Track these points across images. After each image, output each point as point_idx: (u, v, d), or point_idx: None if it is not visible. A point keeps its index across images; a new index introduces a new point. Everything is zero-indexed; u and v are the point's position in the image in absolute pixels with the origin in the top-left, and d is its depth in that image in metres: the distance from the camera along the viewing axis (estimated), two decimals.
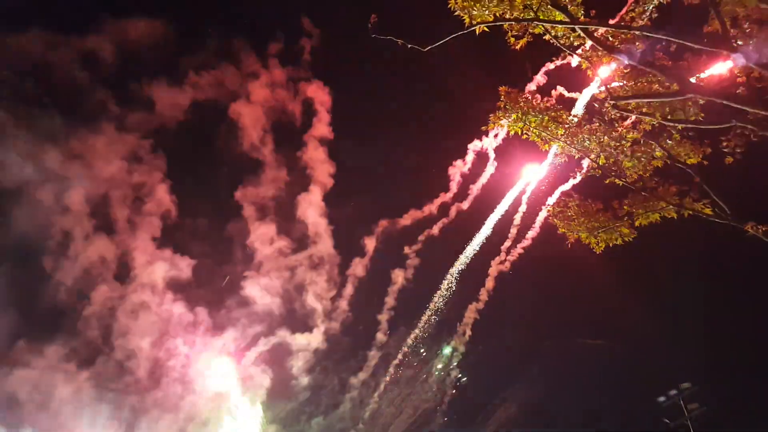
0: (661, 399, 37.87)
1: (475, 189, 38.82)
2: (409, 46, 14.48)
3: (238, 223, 39.46)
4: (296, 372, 39.04)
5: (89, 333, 35.77)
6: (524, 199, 37.16)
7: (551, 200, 35.56)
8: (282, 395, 38.92)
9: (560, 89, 30.04)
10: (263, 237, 39.30)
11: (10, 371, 33.29)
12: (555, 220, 16.11)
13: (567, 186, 33.06)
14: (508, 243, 38.90)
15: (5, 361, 33.65)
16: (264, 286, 38.83)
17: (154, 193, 37.85)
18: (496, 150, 37.92)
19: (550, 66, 30.54)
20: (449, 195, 39.70)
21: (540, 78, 31.81)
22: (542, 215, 36.91)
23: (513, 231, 38.61)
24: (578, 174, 16.18)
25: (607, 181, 15.68)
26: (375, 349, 40.02)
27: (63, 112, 35.97)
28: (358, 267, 40.18)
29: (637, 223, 15.65)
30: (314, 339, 39.27)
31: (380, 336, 40.37)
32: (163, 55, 37.25)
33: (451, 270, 39.58)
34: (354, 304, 40.63)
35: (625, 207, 15.70)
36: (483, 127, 15.89)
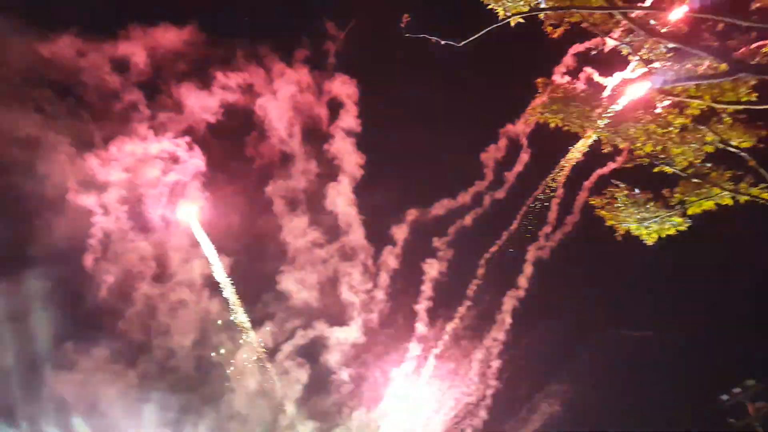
0: (724, 397, 36.30)
1: (509, 176, 38.02)
2: (443, 42, 14.35)
3: (270, 217, 39.93)
4: (333, 366, 39.27)
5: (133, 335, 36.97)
6: (561, 183, 36.11)
7: (588, 183, 34.65)
8: (320, 390, 39.29)
9: (589, 71, 28.95)
10: (296, 230, 39.64)
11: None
12: (602, 212, 15.62)
13: (605, 169, 32.09)
14: (547, 229, 37.71)
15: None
16: (298, 280, 39.20)
17: (189, 190, 38.87)
18: (530, 136, 36.96)
19: (579, 48, 29.71)
20: (482, 183, 38.95)
21: (569, 61, 30.97)
22: (582, 199, 35.78)
23: (551, 216, 37.43)
24: (624, 163, 15.60)
25: (655, 170, 15.12)
26: (413, 341, 39.70)
27: (96, 116, 37.42)
28: (391, 258, 39.96)
29: (690, 212, 15.03)
30: (351, 332, 39.37)
31: (417, 327, 39.96)
32: (191, 60, 38.27)
33: (487, 258, 38.81)
34: (389, 295, 40.47)
35: (676, 195, 15.10)
36: (522, 120, 15.61)
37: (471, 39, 13.68)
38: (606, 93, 15.11)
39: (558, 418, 41.03)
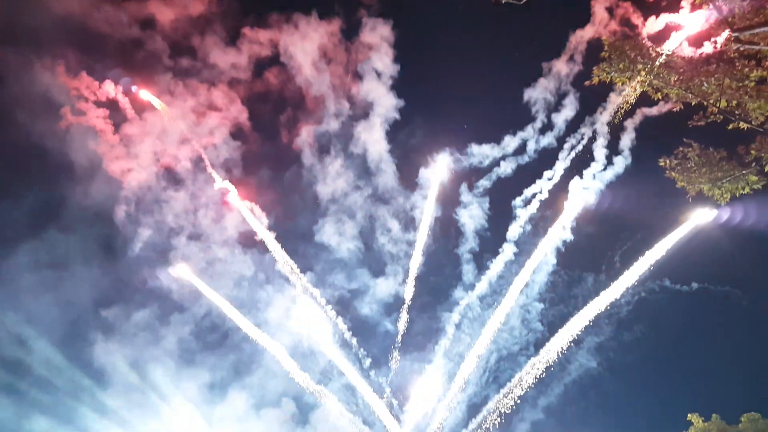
0: None
1: (555, 119, 36.47)
2: (504, 1, 14.05)
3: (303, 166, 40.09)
4: (380, 316, 39.27)
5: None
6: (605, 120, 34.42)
7: (634, 123, 33.21)
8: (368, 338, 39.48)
9: (654, 26, 27.61)
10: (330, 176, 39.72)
11: None
12: (673, 173, 15.06)
13: (653, 109, 30.56)
14: (597, 167, 35.49)
15: None
16: (335, 229, 39.26)
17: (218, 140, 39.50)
18: (574, 77, 35.31)
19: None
20: (525, 127, 37.51)
21: (629, 15, 29.66)
22: (628, 139, 33.87)
23: (599, 154, 35.26)
24: (697, 120, 14.92)
25: (730, 126, 14.48)
26: (459, 288, 38.95)
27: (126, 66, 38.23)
28: (431, 204, 39.35)
29: (767, 169, 14.40)
30: (393, 282, 39.28)
31: (459, 273, 39.19)
32: (219, 18, 38.71)
33: (529, 199, 37.49)
34: (431, 242, 39.91)
35: (752, 152, 14.46)
36: (587, 82, 15.15)
37: None
38: (674, 46, 14.50)
39: (595, 370, 39.06)
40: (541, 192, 36.73)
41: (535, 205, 36.87)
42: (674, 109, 14.83)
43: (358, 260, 39.74)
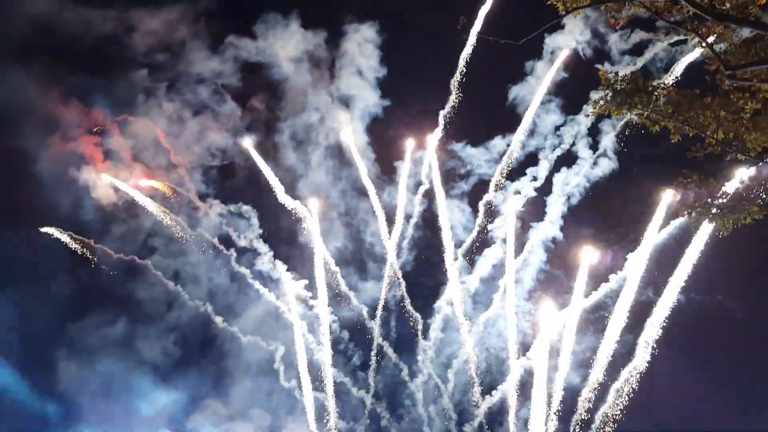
0: None
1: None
2: (503, 42, 14.40)
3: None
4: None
5: None
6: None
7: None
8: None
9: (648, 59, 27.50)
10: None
11: None
12: (674, 204, 15.27)
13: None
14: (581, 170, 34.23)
15: None
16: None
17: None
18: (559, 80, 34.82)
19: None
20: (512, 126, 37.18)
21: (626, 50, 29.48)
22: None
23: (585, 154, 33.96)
24: (694, 152, 15.12)
25: (728, 158, 14.70)
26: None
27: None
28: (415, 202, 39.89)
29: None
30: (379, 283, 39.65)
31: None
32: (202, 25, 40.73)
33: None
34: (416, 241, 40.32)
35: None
36: (586, 115, 15.44)
37: (530, 36, 13.71)
38: (671, 80, 14.76)
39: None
40: (524, 189, 36.52)
41: (520, 202, 36.59)
42: (672, 141, 14.99)
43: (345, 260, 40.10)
